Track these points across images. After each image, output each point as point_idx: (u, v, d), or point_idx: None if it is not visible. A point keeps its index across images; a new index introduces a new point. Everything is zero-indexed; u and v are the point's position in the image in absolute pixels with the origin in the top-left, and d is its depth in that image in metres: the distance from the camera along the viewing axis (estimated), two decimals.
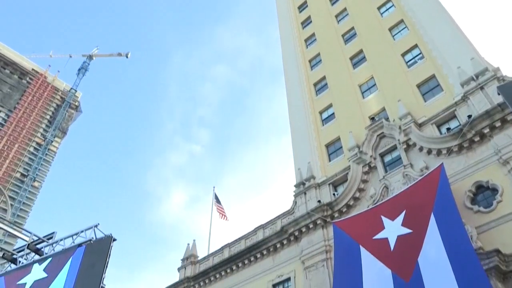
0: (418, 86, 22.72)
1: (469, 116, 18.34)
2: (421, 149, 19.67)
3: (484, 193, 17.12)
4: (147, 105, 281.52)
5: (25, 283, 9.24)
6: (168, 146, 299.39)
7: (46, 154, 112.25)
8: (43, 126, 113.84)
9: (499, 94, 15.28)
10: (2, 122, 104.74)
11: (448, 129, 19.73)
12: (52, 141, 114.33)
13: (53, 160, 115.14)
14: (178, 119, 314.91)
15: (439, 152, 18.91)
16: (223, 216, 31.31)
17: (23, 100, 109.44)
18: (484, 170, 17.34)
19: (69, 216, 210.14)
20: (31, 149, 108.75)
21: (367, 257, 16.10)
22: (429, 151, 19.30)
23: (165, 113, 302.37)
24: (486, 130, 17.65)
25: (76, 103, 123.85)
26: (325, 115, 27.59)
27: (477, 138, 17.89)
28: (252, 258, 24.35)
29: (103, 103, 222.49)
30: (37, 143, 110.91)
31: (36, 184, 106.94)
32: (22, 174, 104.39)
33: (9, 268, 10.87)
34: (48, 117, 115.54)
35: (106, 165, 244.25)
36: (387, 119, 22.29)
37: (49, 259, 8.94)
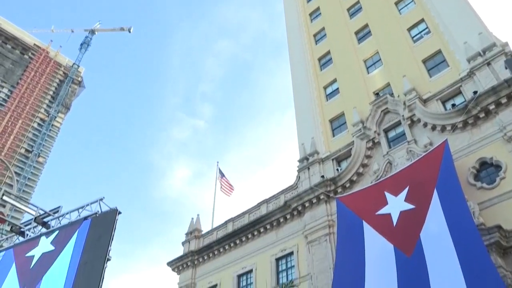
0: (424, 61, 22.46)
1: (475, 92, 18.18)
2: (425, 125, 19.59)
3: (487, 170, 17.13)
4: (150, 80, 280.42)
5: (33, 256, 9.38)
6: (171, 121, 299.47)
7: (50, 129, 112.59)
8: (46, 102, 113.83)
9: (506, 68, 15.11)
10: (5, 98, 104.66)
11: (453, 105, 19.60)
12: (55, 117, 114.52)
13: (57, 136, 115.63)
14: (181, 94, 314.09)
15: (443, 128, 18.84)
16: (229, 188, 31.42)
17: (25, 75, 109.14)
18: (488, 147, 17.30)
19: (74, 191, 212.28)
20: (35, 125, 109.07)
21: (369, 232, 16.23)
22: (434, 127, 19.23)
23: (168, 88, 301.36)
24: (492, 107, 17.52)
25: (79, 79, 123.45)
26: (329, 90, 27.42)
27: (482, 115, 17.78)
28: (255, 233, 24.64)
29: (105, 78, 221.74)
30: (41, 119, 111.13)
31: (40, 159, 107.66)
32: (26, 150, 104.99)
33: (17, 241, 11.03)
34: (51, 92, 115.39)
35: (109, 141, 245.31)
36: (391, 94, 22.14)
37: (56, 232, 9.06)
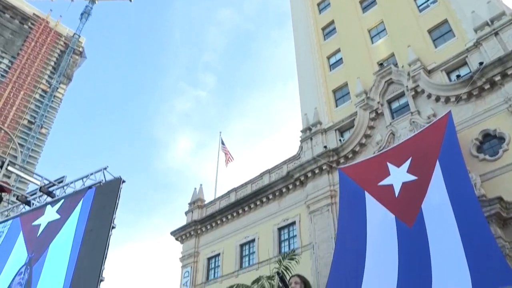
0: (429, 31, 22.10)
1: (481, 63, 17.94)
2: (429, 96, 19.46)
3: (490, 142, 17.11)
4: (152, 51, 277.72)
5: (40, 224, 9.50)
6: (174, 92, 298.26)
7: (52, 101, 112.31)
8: (48, 72, 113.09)
9: None
10: (6, 69, 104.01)
11: (458, 76, 19.39)
12: (57, 88, 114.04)
13: (59, 107, 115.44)
14: (183, 64, 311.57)
15: (447, 100, 18.71)
16: (229, 158, 31.54)
17: (26, 46, 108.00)
18: (492, 119, 17.22)
19: (78, 162, 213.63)
20: (37, 96, 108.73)
21: (371, 203, 16.32)
22: (437, 98, 19.10)
23: (169, 59, 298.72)
24: (497, 78, 17.32)
25: (80, 49, 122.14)
26: (332, 60, 27.13)
27: (487, 86, 17.61)
28: (258, 202, 24.88)
29: (107, 48, 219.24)
30: (43, 90, 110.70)
31: (43, 131, 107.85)
32: (29, 121, 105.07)
33: (23, 210, 11.16)
34: (52, 63, 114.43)
35: (112, 112, 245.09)
36: (396, 65, 21.91)
37: (61, 201, 9.16)
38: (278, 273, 4.52)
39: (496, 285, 12.40)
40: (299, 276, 4.93)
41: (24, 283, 8.37)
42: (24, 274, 8.50)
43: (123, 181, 7.51)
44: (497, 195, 14.98)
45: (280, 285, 4.54)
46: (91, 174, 8.52)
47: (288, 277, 4.81)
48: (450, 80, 19.70)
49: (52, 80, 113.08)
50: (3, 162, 10.85)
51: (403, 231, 14.56)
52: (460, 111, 18.08)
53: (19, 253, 9.31)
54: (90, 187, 8.27)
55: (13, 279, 8.61)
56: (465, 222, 13.03)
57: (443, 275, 12.34)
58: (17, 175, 11.93)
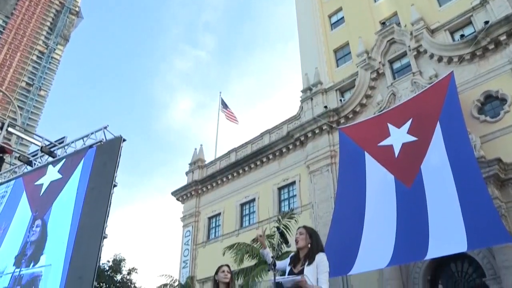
0: None
1: (486, 22, 17.57)
2: (431, 56, 19.19)
3: (492, 103, 17.00)
4: (150, 10, 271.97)
5: (42, 184, 9.57)
6: (173, 52, 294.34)
7: (50, 62, 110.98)
8: (44, 33, 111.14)
9: None
10: (0, 30, 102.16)
11: (462, 36, 19.04)
12: (55, 49, 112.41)
13: (57, 69, 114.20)
14: (183, 24, 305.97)
15: (450, 60, 18.46)
16: (233, 119, 31.51)
17: (19, 5, 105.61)
18: (495, 80, 17.02)
19: (77, 123, 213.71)
20: (34, 58, 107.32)
21: (371, 163, 16.41)
22: (440, 59, 18.84)
23: (168, 18, 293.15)
24: (503, 38, 16.98)
25: (77, 9, 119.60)
26: (334, 19, 26.57)
27: (491, 46, 17.30)
28: (258, 162, 25.03)
29: (104, 8, 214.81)
30: (40, 52, 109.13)
31: (42, 93, 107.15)
32: (27, 84, 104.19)
33: (25, 170, 11.23)
34: (48, 24, 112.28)
35: (110, 72, 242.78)
36: (398, 24, 21.48)
37: (63, 161, 9.19)
38: (278, 227, 4.51)
39: (491, 244, 12.71)
40: (305, 227, 4.91)
41: (30, 241, 8.53)
42: (30, 233, 8.64)
43: (124, 140, 7.51)
44: (496, 157, 15.03)
45: (280, 240, 4.54)
46: (92, 133, 8.51)
47: (287, 235, 4.85)
48: (453, 40, 19.37)
49: (49, 41, 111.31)
50: (3, 124, 10.82)
51: (402, 191, 14.72)
52: (462, 72, 17.88)
53: (23, 212, 9.44)
54: (91, 146, 8.28)
55: (21, 237, 8.77)
56: (463, 182, 13.15)
57: (440, 234, 12.58)
58: (17, 136, 11.91)
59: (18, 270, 8.19)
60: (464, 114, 15.24)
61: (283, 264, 4.67)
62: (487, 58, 17.54)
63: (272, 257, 4.37)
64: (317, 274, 4.31)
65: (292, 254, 4.87)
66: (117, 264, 21.68)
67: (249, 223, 24.39)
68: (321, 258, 4.48)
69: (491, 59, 17.41)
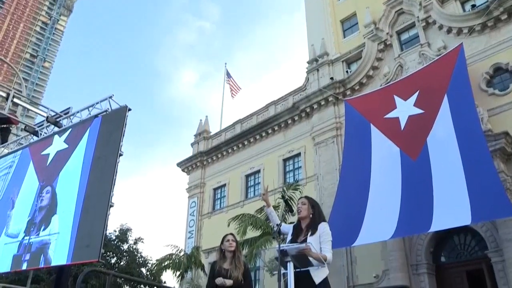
0: None
1: None
2: (440, 27, 18.80)
3: (501, 76, 16.71)
4: None
5: (49, 154, 9.62)
6: (177, 23, 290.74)
7: (53, 33, 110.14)
8: (47, 3, 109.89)
9: None
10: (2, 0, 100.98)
11: (473, 6, 18.60)
12: (58, 20, 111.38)
13: (61, 40, 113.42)
14: None
15: (459, 31, 18.09)
16: (236, 89, 31.28)
17: None
18: (505, 52, 16.66)
19: (82, 95, 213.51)
20: (38, 29, 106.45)
21: (377, 135, 16.33)
22: (449, 30, 18.46)
23: None
24: None
25: None
26: None
27: (504, 16, 16.86)
28: (263, 134, 25.02)
29: None
30: (43, 22, 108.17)
31: (46, 64, 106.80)
32: (31, 55, 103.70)
33: (32, 140, 11.27)
34: None
35: (114, 44, 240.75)
36: None
37: (68, 131, 9.20)
38: (283, 196, 4.53)
39: (495, 217, 12.74)
40: (307, 197, 4.93)
41: (38, 210, 8.64)
42: (38, 202, 8.75)
43: (129, 109, 7.48)
44: (503, 130, 14.89)
45: (286, 208, 4.56)
46: (97, 103, 8.48)
47: (291, 205, 4.85)
48: (464, 10, 18.94)
49: (52, 11, 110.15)
50: (8, 94, 10.80)
51: (407, 164, 14.69)
52: (472, 44, 17.54)
53: (31, 182, 9.53)
54: (96, 116, 8.26)
55: (29, 206, 8.88)
56: (470, 156, 13.09)
57: (444, 207, 12.61)
58: (23, 108, 11.92)
59: (28, 238, 8.33)
60: (472, 86, 15.02)
61: (287, 228, 4.71)
62: (498, 29, 17.15)
63: (276, 225, 4.40)
64: (320, 244, 4.36)
65: (294, 223, 4.91)
66: (123, 234, 22.02)
67: (254, 194, 24.55)
68: (323, 228, 4.52)
69: (503, 30, 17.02)
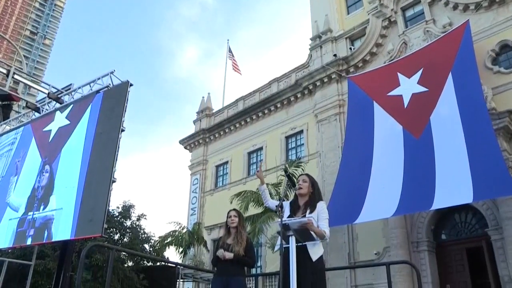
0: None
1: None
2: (446, 3, 18.47)
3: (507, 53, 16.48)
4: None
5: (51, 130, 9.61)
6: None
7: (53, 10, 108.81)
8: None
9: None
10: None
11: None
12: None
13: (61, 16, 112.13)
14: None
15: (466, 8, 17.78)
16: (236, 69, 31.12)
17: None
18: None
19: (83, 72, 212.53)
20: (37, 5, 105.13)
21: (380, 113, 16.25)
22: (455, 6, 18.15)
23: None
24: None
25: None
26: None
27: None
28: (266, 111, 24.94)
29: None
30: None
31: (47, 42, 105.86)
32: (31, 32, 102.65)
33: (34, 117, 11.26)
34: None
35: (115, 19, 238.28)
36: None
37: (70, 107, 9.17)
38: (285, 170, 4.54)
39: (496, 195, 12.75)
40: (307, 175, 4.95)
41: (41, 186, 8.67)
42: (41, 178, 8.78)
43: (131, 84, 7.43)
44: (507, 109, 14.79)
45: (288, 183, 4.58)
46: (98, 78, 8.41)
47: (294, 180, 4.85)
48: None
49: None
50: (9, 71, 10.73)
51: (410, 142, 14.66)
52: (478, 20, 17.25)
53: (33, 158, 9.55)
54: (98, 91, 8.22)
55: (32, 182, 8.92)
56: (473, 134, 13.03)
57: (446, 185, 12.63)
58: (24, 85, 11.84)
59: (31, 213, 8.40)
60: (477, 64, 14.85)
61: (275, 203, 4.76)
62: (507, 5, 16.81)
63: (279, 199, 4.44)
64: (318, 221, 4.43)
65: (290, 200, 4.96)
66: (126, 211, 22.15)
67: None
68: (322, 206, 4.61)
69: (511, 6, 16.71)
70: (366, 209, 13.95)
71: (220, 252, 5.19)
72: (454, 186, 12.44)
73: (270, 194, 17.55)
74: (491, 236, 14.61)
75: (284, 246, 4.01)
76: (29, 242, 8.12)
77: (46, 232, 7.77)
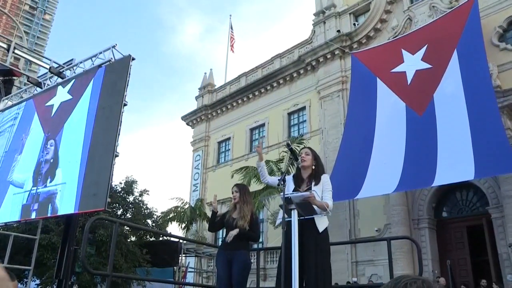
0: None
1: None
2: None
3: None
4: None
5: (53, 104, 9.58)
6: None
7: None
8: None
9: None
10: None
11: None
12: None
13: None
14: None
15: None
16: (231, 48, 30.67)
17: None
18: None
19: (84, 48, 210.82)
20: None
21: (383, 90, 16.13)
22: None
23: None
24: None
25: None
26: None
27: None
28: (268, 87, 24.81)
29: None
30: None
31: (47, 17, 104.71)
32: (31, 7, 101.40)
33: (35, 92, 11.21)
34: None
35: None
36: None
37: (72, 81, 9.11)
38: (288, 144, 4.54)
39: (498, 172, 12.76)
40: (310, 148, 4.96)
41: (44, 160, 8.70)
42: (44, 152, 8.79)
43: (133, 58, 7.36)
44: None
45: (291, 157, 4.60)
46: (100, 53, 8.33)
47: (297, 155, 4.85)
48: None
49: None
50: (9, 46, 10.61)
51: (413, 119, 14.59)
52: None
53: (36, 133, 9.55)
54: (99, 66, 8.15)
55: (36, 156, 8.95)
56: (477, 111, 12.95)
57: (448, 162, 12.61)
58: (25, 60, 11.73)
59: (35, 188, 8.44)
60: (484, 41, 14.64)
61: (277, 180, 4.77)
62: None
63: (282, 173, 4.47)
64: (322, 193, 4.48)
65: (292, 174, 4.99)
66: (129, 186, 22.29)
67: None
68: (326, 179, 4.67)
69: None
70: (367, 185, 14.01)
71: (230, 236, 5.24)
72: (455, 163, 12.43)
73: (272, 170, 17.66)
74: (491, 214, 14.71)
75: (286, 219, 4.04)
76: (33, 216, 8.19)
77: (50, 206, 7.83)
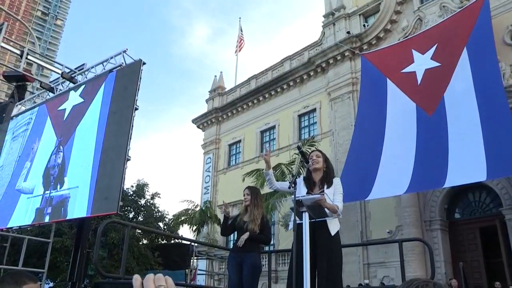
0: None
1: None
2: None
3: None
4: None
5: (65, 109, 9.67)
6: None
7: None
8: None
9: None
10: None
11: None
12: None
13: None
14: None
15: None
16: (240, 46, 30.66)
17: None
18: None
19: (95, 52, 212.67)
20: None
21: (393, 90, 16.04)
22: None
23: None
24: None
25: None
26: None
27: None
28: (278, 89, 24.82)
29: None
30: None
31: (59, 22, 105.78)
32: (43, 13, 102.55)
33: (48, 97, 11.33)
34: None
35: None
36: None
37: (84, 86, 9.20)
38: (299, 147, 4.57)
39: (510, 173, 12.59)
40: (320, 151, 4.97)
41: (56, 164, 8.79)
42: (56, 156, 8.89)
43: (144, 63, 7.41)
44: None
45: (301, 159, 4.61)
46: (111, 57, 8.38)
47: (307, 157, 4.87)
48: None
49: None
50: (22, 51, 10.77)
51: (423, 119, 14.48)
52: None
53: (48, 137, 9.65)
54: (110, 70, 8.21)
55: (48, 161, 9.04)
56: (488, 111, 12.81)
57: (460, 163, 12.48)
58: (38, 66, 11.88)
59: (48, 192, 8.52)
60: (494, 40, 14.49)
61: (286, 185, 4.82)
62: None
63: (293, 175, 4.49)
64: (333, 196, 4.49)
65: (301, 176, 5.00)
66: (140, 189, 22.37)
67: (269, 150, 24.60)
68: (338, 182, 4.70)
69: None
70: (378, 186, 13.92)
71: (241, 241, 5.27)
72: (467, 164, 12.29)
73: (283, 173, 17.65)
74: (505, 216, 14.54)
75: (297, 222, 4.05)
76: (47, 219, 8.26)
77: (62, 210, 7.90)
